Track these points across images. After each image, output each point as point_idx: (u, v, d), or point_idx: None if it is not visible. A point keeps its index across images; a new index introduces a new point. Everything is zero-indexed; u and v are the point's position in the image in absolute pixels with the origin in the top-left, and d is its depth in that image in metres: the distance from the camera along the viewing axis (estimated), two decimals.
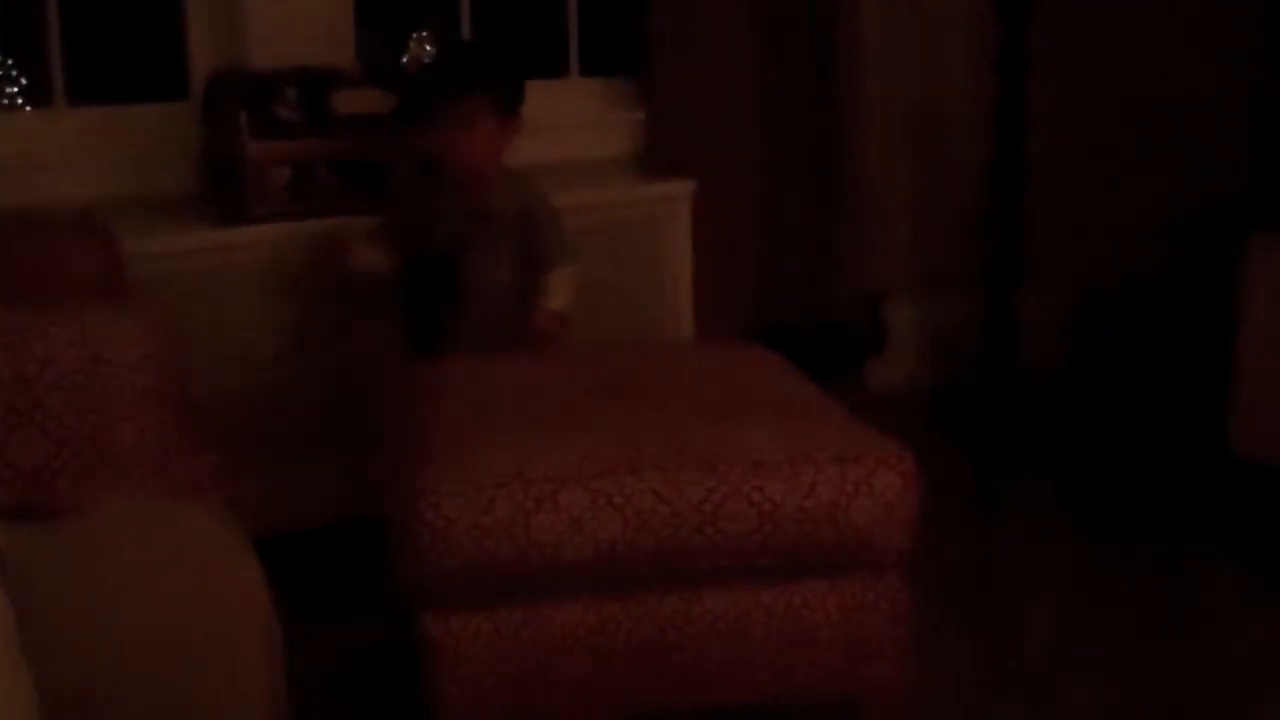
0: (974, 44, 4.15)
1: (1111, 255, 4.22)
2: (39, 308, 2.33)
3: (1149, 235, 4.18)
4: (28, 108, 3.43)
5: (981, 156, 4.05)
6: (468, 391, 2.60)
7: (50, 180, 3.19)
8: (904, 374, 4.19)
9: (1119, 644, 2.96)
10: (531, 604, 2.28)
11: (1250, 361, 3.53)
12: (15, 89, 4.43)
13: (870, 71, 3.97)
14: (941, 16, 4.22)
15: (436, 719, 2.29)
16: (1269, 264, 3.50)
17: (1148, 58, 4.17)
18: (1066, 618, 3.06)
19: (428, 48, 4.19)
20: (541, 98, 3.82)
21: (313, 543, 3.19)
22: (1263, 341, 3.50)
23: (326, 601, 3.00)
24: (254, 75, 3.27)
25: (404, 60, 4.10)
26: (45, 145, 3.28)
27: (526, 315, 3.07)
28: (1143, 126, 4.24)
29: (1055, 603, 3.12)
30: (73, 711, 1.76)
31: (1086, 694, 2.77)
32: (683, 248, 3.72)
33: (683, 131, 3.72)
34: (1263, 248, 3.52)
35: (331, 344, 3.35)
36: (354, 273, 3.18)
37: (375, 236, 3.15)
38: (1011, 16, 3.90)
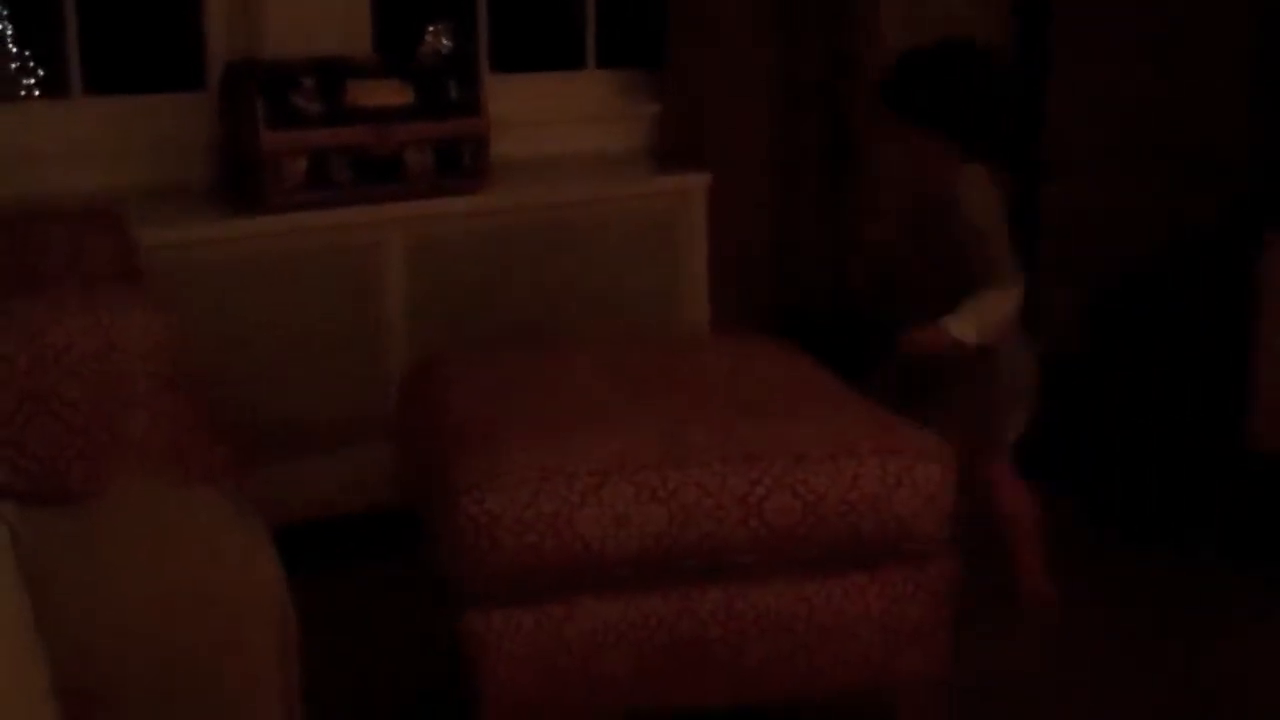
0: (991, 40, 4.13)
1: (1126, 251, 4.20)
2: (55, 296, 2.33)
3: (1164, 231, 4.16)
4: (45, 98, 3.39)
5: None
6: (496, 386, 2.57)
7: (67, 170, 3.17)
8: None
9: (1131, 642, 2.95)
10: (574, 599, 2.25)
11: (1268, 359, 3.51)
12: (32, 79, 4.41)
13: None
14: (959, 15, 4.19)
15: (478, 715, 2.26)
16: None
17: (1163, 55, 4.15)
18: (1077, 614, 3.03)
19: (444, 40, 4.16)
20: (558, 90, 3.84)
21: (326, 534, 3.14)
22: None
23: (339, 594, 2.97)
24: (271, 65, 3.24)
25: (420, 51, 4.07)
26: (62, 135, 3.26)
27: None
28: (1158, 123, 4.22)
29: (1067, 599, 3.09)
30: (84, 696, 1.74)
31: (1096, 693, 2.77)
32: (698, 240, 3.71)
33: (699, 124, 3.70)
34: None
35: (347, 334, 3.33)
36: None
37: None
38: (1029, 17, 3.89)
